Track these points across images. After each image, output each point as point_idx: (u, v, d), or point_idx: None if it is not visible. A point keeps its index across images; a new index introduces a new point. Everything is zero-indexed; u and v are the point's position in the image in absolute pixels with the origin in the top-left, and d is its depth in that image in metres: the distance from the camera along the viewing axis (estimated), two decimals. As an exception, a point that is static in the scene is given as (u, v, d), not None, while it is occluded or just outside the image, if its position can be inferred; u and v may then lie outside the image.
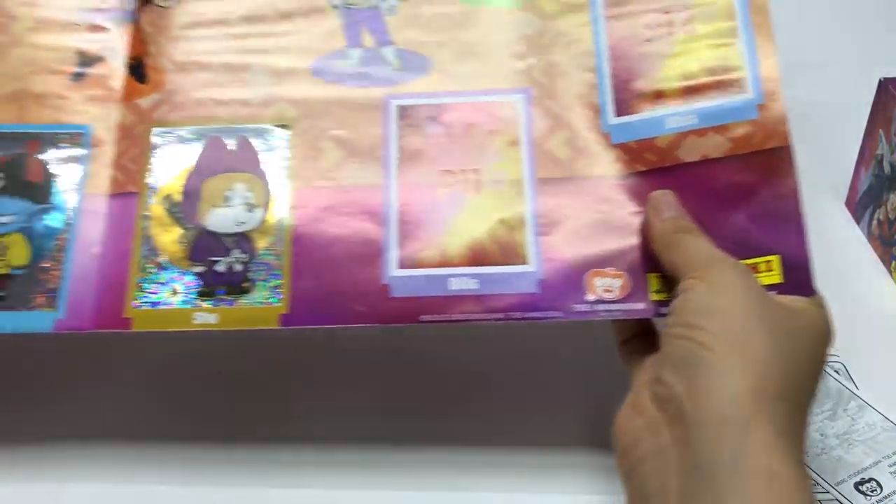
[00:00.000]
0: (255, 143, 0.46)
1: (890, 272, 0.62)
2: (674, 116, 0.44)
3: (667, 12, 0.46)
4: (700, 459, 0.34)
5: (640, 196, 0.43)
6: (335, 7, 0.49)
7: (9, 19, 0.48)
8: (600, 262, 0.42)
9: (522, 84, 0.46)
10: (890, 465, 0.46)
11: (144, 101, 0.47)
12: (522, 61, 0.46)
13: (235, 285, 0.43)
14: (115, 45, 0.48)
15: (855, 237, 0.66)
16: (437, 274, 0.42)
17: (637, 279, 0.42)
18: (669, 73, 0.45)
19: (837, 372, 0.52)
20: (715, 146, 0.43)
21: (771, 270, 0.42)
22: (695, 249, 0.39)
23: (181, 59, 0.48)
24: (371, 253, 0.43)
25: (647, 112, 0.44)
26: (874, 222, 0.64)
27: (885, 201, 0.62)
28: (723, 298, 0.36)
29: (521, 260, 0.42)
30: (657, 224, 0.41)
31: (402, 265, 0.43)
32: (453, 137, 0.45)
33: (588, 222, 0.43)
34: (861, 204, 0.66)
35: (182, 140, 0.46)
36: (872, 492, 0.45)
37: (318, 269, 0.43)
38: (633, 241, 0.42)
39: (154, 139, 0.46)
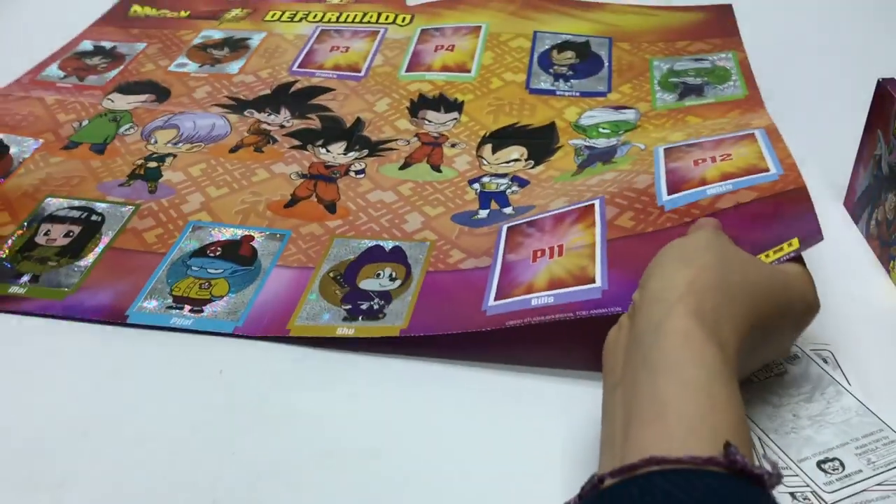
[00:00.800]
0: (406, 249, 0.63)
1: (888, 272, 0.61)
2: (713, 188, 0.59)
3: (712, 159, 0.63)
4: (636, 331, 0.42)
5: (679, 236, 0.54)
6: (476, 191, 0.69)
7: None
8: None
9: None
10: (857, 448, 0.47)
11: (331, 223, 0.66)
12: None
13: (374, 316, 0.57)
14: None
15: (853, 237, 0.65)
16: (522, 297, 0.55)
17: None
18: (711, 174, 0.61)
19: (825, 361, 0.53)
20: (745, 196, 0.57)
21: (791, 245, 0.52)
22: None
23: (362, 204, 0.68)
24: (476, 297, 0.57)
25: (693, 190, 0.60)
26: (872, 222, 0.63)
27: (884, 201, 0.61)
28: (688, 238, 0.47)
29: (591, 281, 0.55)
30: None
31: (497, 298, 0.56)
32: (544, 232, 0.61)
33: (646, 257, 0.55)
34: (859, 204, 0.65)
35: (348, 248, 0.64)
36: (834, 470, 0.46)
37: (433, 307, 0.57)
38: None
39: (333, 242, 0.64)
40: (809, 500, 0.45)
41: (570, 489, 0.38)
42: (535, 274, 0.57)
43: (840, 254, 0.62)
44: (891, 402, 0.50)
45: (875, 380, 0.52)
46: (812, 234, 0.52)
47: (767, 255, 0.51)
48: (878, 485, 0.45)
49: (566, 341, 0.54)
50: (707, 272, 0.43)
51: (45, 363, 0.57)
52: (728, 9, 0.93)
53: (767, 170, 0.59)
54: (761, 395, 0.51)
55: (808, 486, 0.46)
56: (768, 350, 0.49)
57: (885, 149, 0.61)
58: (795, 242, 0.51)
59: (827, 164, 0.69)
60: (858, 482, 0.45)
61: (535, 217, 0.63)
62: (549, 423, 0.50)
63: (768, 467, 0.34)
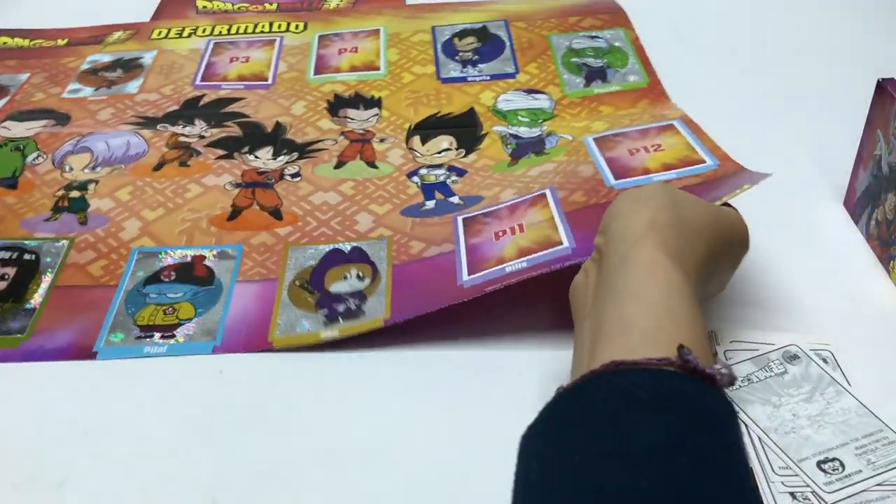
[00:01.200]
0: (366, 249, 0.63)
1: (888, 272, 0.61)
2: (659, 176, 0.63)
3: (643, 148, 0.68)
4: (604, 269, 0.45)
5: None
6: (417, 185, 0.70)
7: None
8: None
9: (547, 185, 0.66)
10: (857, 448, 0.47)
11: (281, 231, 0.66)
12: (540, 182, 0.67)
13: (353, 316, 0.57)
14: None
15: (853, 237, 0.65)
16: (495, 268, 0.57)
17: None
18: (652, 164, 0.65)
19: (825, 361, 0.53)
20: (691, 181, 0.61)
21: (743, 189, 0.56)
22: None
23: (307, 208, 0.68)
24: (449, 277, 0.59)
25: (641, 178, 0.63)
26: (872, 222, 0.63)
27: (884, 201, 0.61)
28: (640, 187, 0.50)
29: (558, 244, 0.58)
30: None
31: (470, 273, 0.58)
32: (501, 219, 0.63)
33: None
34: (859, 204, 0.65)
35: (306, 255, 0.64)
36: (834, 470, 0.46)
37: (409, 292, 0.58)
38: None
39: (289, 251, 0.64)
40: (809, 500, 0.45)
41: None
42: (503, 249, 0.59)
43: (840, 254, 0.63)
44: (891, 402, 0.51)
45: (875, 380, 0.52)
46: (757, 177, 0.57)
47: (722, 200, 0.56)
48: (878, 485, 0.46)
49: (549, 300, 0.57)
50: (664, 212, 0.46)
51: (45, 363, 0.56)
52: None
53: (703, 161, 0.64)
54: (761, 395, 0.52)
55: (808, 486, 0.46)
56: (712, 285, 0.52)
57: (885, 149, 0.61)
58: (746, 186, 0.56)
59: (827, 164, 0.70)
60: (858, 482, 0.46)
61: (490, 208, 0.65)
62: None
63: (722, 369, 0.37)
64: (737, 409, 0.45)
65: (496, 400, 0.53)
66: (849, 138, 0.67)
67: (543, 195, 0.64)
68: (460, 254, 0.61)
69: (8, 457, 0.49)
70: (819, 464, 0.47)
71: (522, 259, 0.58)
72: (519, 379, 0.54)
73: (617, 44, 0.87)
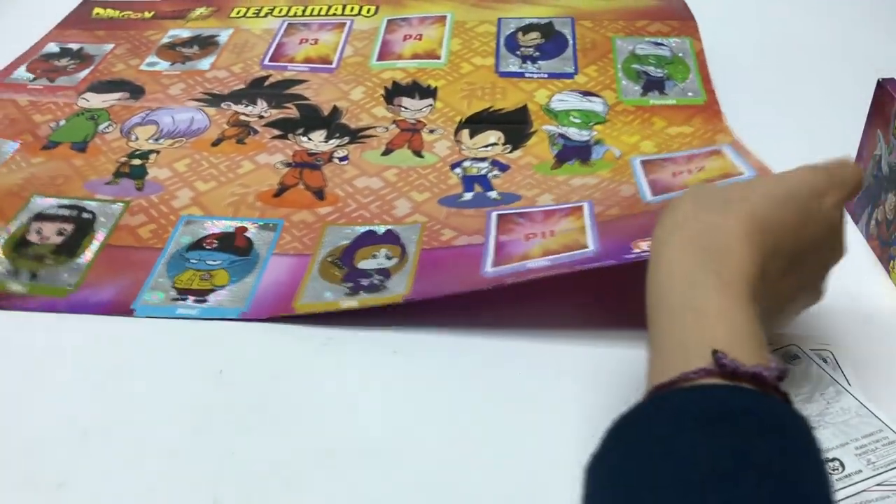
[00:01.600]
0: (399, 231, 0.65)
1: (888, 272, 0.61)
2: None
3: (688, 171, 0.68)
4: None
5: None
6: (458, 176, 0.72)
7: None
8: (644, 235, 0.56)
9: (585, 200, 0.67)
10: (857, 448, 0.47)
11: (322, 210, 0.68)
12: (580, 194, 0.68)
13: (376, 290, 0.60)
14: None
15: (853, 237, 0.62)
16: (518, 264, 0.58)
17: None
18: (692, 181, 0.65)
19: (825, 361, 0.53)
20: None
21: None
22: None
23: (349, 190, 0.70)
24: (473, 265, 0.60)
25: (677, 192, 0.64)
26: (872, 222, 0.63)
27: (884, 201, 0.61)
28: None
29: (583, 247, 0.58)
30: None
31: (495, 265, 0.59)
32: (535, 222, 0.64)
33: (634, 227, 0.59)
34: (859, 204, 0.66)
35: (342, 235, 0.66)
36: (834, 470, 0.46)
37: (432, 275, 0.60)
38: None
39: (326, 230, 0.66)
40: None
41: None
42: (528, 248, 0.60)
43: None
44: (891, 403, 0.51)
45: (875, 380, 0.52)
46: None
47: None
48: (878, 485, 0.46)
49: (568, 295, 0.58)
50: (685, 205, 0.44)
51: (45, 363, 0.57)
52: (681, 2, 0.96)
53: (742, 174, 0.64)
54: None
55: None
56: (798, 278, 0.47)
57: (885, 149, 0.62)
58: None
59: None
60: (858, 482, 0.46)
61: (525, 210, 0.66)
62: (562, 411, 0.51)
63: (770, 364, 0.35)
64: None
65: (500, 397, 0.53)
66: (849, 138, 0.67)
67: (580, 207, 0.65)
68: (488, 246, 0.62)
69: (8, 457, 0.50)
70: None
71: (546, 258, 0.59)
72: (527, 374, 0.54)
73: (680, 54, 0.86)
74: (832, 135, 0.69)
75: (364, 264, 0.62)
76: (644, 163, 0.71)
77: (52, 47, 0.93)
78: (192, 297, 0.60)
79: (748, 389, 0.35)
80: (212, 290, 0.61)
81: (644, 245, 0.54)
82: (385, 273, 0.61)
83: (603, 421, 0.37)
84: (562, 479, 0.39)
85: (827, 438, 0.48)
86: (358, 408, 0.53)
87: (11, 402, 0.54)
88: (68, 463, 0.49)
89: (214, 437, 0.51)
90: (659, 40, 0.88)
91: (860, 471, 0.46)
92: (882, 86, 0.63)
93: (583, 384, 0.53)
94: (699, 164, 0.68)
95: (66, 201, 0.69)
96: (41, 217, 0.68)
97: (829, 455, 0.47)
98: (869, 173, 0.64)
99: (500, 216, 0.66)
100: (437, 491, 0.47)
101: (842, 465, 0.47)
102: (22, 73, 0.88)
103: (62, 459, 0.49)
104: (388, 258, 0.63)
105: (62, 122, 0.80)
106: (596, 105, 0.80)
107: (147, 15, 0.99)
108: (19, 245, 0.65)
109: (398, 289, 0.59)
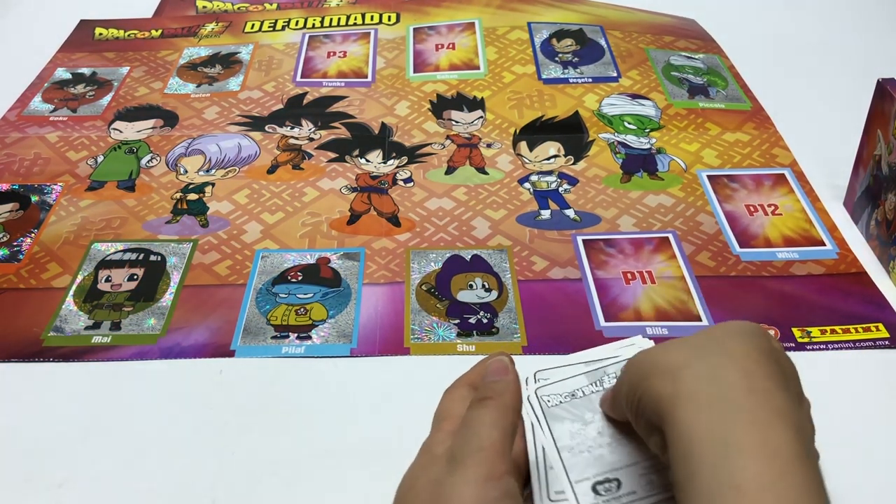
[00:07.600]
0: (486, 258, 0.64)
1: (888, 272, 0.62)
2: (782, 252, 0.64)
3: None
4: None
5: (764, 288, 0.61)
6: (529, 191, 0.71)
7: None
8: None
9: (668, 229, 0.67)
10: (645, 468, 0.42)
11: (401, 237, 0.66)
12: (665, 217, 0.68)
13: (486, 330, 0.58)
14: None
15: (854, 237, 0.66)
16: (634, 323, 0.58)
17: (784, 330, 0.58)
18: (772, 233, 0.66)
19: None
20: (814, 268, 0.63)
21: (879, 330, 0.58)
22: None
23: (423, 214, 0.69)
24: (583, 314, 0.59)
25: (764, 250, 0.65)
26: (872, 222, 0.64)
27: (884, 201, 0.62)
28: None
29: (696, 318, 0.59)
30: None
31: (607, 319, 0.59)
32: (626, 256, 0.64)
33: (736, 299, 0.60)
34: (859, 204, 0.66)
35: (428, 259, 0.64)
36: (607, 491, 0.41)
37: (542, 318, 0.59)
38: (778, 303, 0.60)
39: (411, 255, 0.65)
40: None
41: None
42: (636, 298, 0.60)
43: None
44: None
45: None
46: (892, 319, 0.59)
47: (857, 331, 0.57)
48: None
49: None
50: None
51: (45, 362, 0.56)
52: (692, 23, 0.96)
53: (823, 243, 0.65)
54: (577, 411, 0.45)
55: None
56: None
57: (885, 149, 0.62)
58: (882, 328, 0.58)
59: (827, 165, 0.71)
60: None
61: (610, 236, 0.66)
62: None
63: None
64: (543, 428, 0.42)
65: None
66: (849, 138, 0.67)
67: (667, 240, 0.65)
68: (590, 288, 0.61)
69: (8, 456, 0.50)
70: (595, 485, 0.41)
71: (663, 324, 0.58)
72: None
73: (714, 67, 0.87)
74: (832, 135, 0.72)
75: (463, 296, 0.61)
76: (712, 179, 0.72)
77: (62, 73, 0.88)
78: (293, 335, 0.58)
79: None
80: (312, 325, 0.59)
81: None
82: (490, 309, 0.60)
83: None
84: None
85: (619, 457, 0.42)
86: (359, 408, 0.53)
87: (12, 401, 0.54)
88: (68, 463, 0.49)
89: (214, 437, 0.51)
90: (689, 55, 0.89)
91: (634, 492, 0.41)
92: (882, 86, 0.63)
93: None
94: (770, 198, 0.69)
95: (128, 245, 0.66)
96: (107, 264, 0.64)
97: (612, 475, 0.41)
98: (869, 173, 0.64)
99: (586, 242, 0.65)
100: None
101: (619, 485, 0.41)
102: (38, 104, 0.83)
103: (62, 459, 0.50)
104: (486, 290, 0.62)
105: (100, 158, 0.76)
106: (648, 109, 0.80)
107: (155, 34, 0.95)
108: (91, 296, 0.62)
109: (512, 333, 0.58)
